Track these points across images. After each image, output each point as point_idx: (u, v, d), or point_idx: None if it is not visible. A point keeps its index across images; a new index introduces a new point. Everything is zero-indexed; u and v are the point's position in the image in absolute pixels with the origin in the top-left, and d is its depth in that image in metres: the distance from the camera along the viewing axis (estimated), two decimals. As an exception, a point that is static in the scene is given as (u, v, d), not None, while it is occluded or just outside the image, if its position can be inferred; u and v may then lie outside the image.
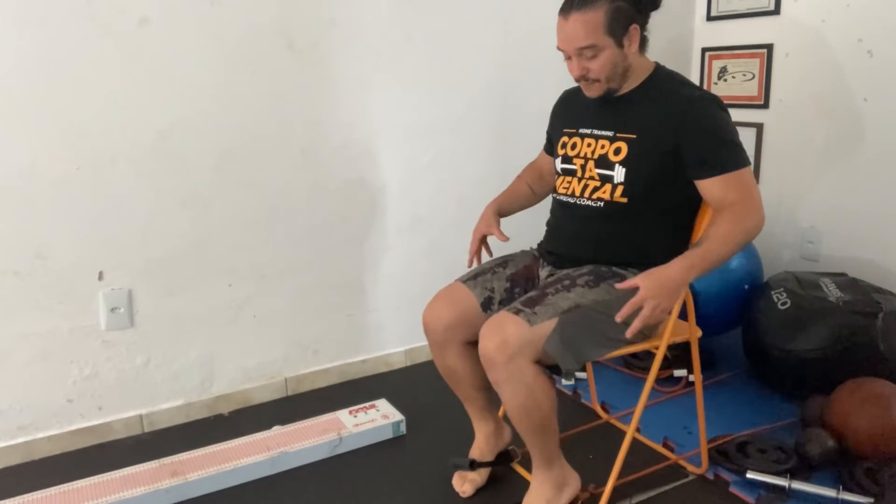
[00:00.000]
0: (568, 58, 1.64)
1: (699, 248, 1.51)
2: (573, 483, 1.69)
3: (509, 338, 1.45)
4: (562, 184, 1.77)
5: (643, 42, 1.65)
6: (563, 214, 1.76)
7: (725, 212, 1.54)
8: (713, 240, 1.51)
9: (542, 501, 1.65)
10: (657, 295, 1.45)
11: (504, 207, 1.93)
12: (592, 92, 1.66)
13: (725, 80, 2.89)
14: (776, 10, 2.68)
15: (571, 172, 1.74)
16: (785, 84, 2.70)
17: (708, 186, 1.59)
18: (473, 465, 1.83)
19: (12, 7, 1.83)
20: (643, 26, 1.63)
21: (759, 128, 2.78)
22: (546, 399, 1.52)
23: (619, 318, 1.47)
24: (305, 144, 2.31)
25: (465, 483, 1.82)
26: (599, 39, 1.56)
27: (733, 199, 1.55)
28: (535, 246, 1.88)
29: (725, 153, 1.57)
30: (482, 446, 1.86)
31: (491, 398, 1.83)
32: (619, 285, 1.53)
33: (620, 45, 1.59)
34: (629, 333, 1.49)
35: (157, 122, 2.06)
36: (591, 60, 1.59)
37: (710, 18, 2.93)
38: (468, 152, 2.64)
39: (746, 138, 2.77)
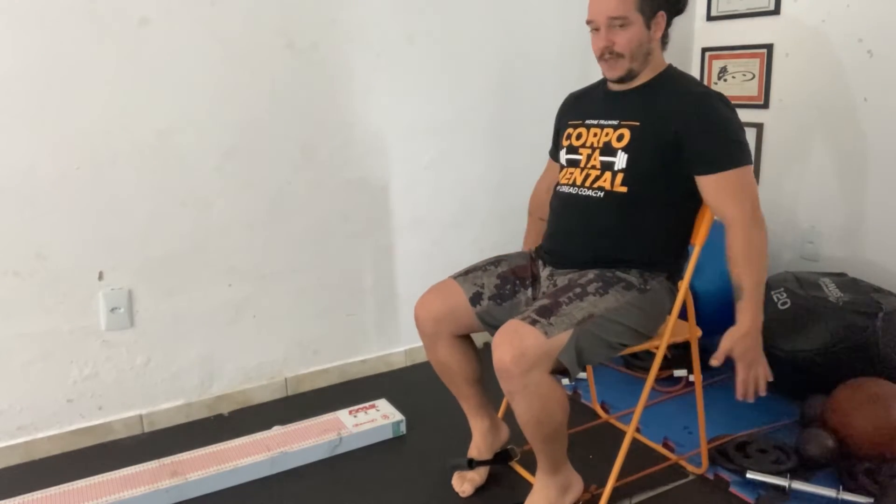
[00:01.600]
0: (595, 29, 1.65)
1: (746, 296, 1.54)
2: (576, 486, 1.69)
3: (527, 350, 1.44)
4: (564, 175, 1.78)
5: (664, 38, 1.69)
6: (563, 209, 1.77)
7: (734, 240, 1.57)
8: (747, 273, 1.55)
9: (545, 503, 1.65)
10: (751, 359, 1.53)
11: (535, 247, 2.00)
12: (614, 71, 1.67)
13: (725, 80, 2.88)
14: (776, 10, 2.68)
15: (576, 163, 1.75)
16: (785, 84, 2.70)
17: (704, 183, 1.61)
18: (472, 464, 1.83)
19: (13, 7, 1.83)
20: (668, 21, 1.67)
21: (759, 128, 2.78)
22: (560, 410, 1.53)
23: (739, 397, 1.54)
24: (305, 144, 2.31)
25: (464, 483, 1.82)
26: (630, 13, 1.60)
27: (730, 211, 1.57)
28: (532, 248, 1.88)
29: (725, 151, 1.58)
30: (479, 444, 1.86)
31: (486, 395, 1.83)
32: (713, 361, 1.53)
33: (648, 26, 1.63)
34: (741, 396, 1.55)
35: (157, 122, 2.06)
36: (619, 33, 1.62)
37: (710, 18, 2.93)
38: (468, 152, 2.64)
39: (747, 138, 2.79)
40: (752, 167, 1.61)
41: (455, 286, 1.74)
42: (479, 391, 1.82)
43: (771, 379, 1.55)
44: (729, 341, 1.53)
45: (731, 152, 1.58)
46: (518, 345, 1.45)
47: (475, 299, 1.72)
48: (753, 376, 1.53)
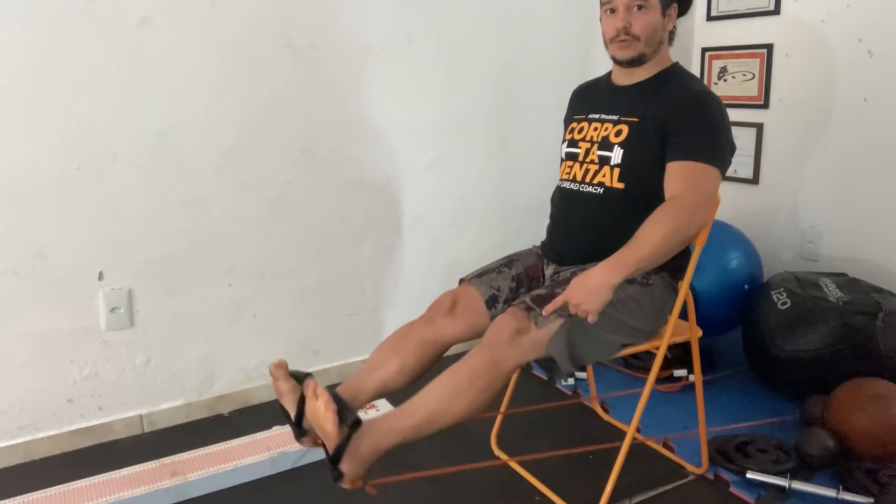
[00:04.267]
0: (611, 11, 1.66)
1: (627, 250, 1.49)
2: (361, 465, 1.43)
3: (519, 344, 1.46)
4: (564, 170, 1.79)
5: (671, 33, 1.72)
6: (565, 205, 1.77)
7: (660, 209, 1.54)
8: (642, 243, 1.49)
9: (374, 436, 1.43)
10: (580, 299, 1.45)
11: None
12: (626, 51, 1.67)
13: (725, 80, 2.88)
14: (776, 10, 2.68)
15: (574, 156, 1.76)
16: (785, 84, 2.70)
17: (668, 168, 1.60)
18: (304, 377, 1.52)
19: (13, 6, 1.83)
20: (676, 17, 1.71)
21: (759, 128, 2.78)
22: (480, 397, 1.44)
23: (545, 312, 1.48)
24: (305, 144, 2.31)
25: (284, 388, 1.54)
26: None
27: (677, 190, 1.55)
28: (538, 244, 1.87)
29: (699, 145, 1.58)
30: (354, 388, 1.60)
31: (423, 369, 1.67)
32: (547, 308, 1.49)
33: (663, 15, 1.66)
34: (545, 312, 1.48)
35: (157, 122, 2.06)
36: (638, 16, 1.63)
37: (710, 18, 2.93)
38: (468, 152, 2.64)
39: (746, 138, 2.79)
40: (719, 173, 1.59)
41: (473, 295, 1.70)
42: (409, 378, 1.65)
43: (593, 319, 1.45)
44: (574, 282, 1.48)
45: (704, 150, 1.58)
46: (509, 328, 1.46)
47: (491, 302, 1.70)
48: (574, 305, 1.45)
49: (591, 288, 1.46)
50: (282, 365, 1.51)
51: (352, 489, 1.42)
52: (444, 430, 1.45)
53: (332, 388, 1.53)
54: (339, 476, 1.39)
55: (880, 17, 2.37)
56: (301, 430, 1.53)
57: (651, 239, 1.49)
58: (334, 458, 1.38)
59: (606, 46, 1.72)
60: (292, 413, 1.53)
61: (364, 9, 2.32)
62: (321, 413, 1.37)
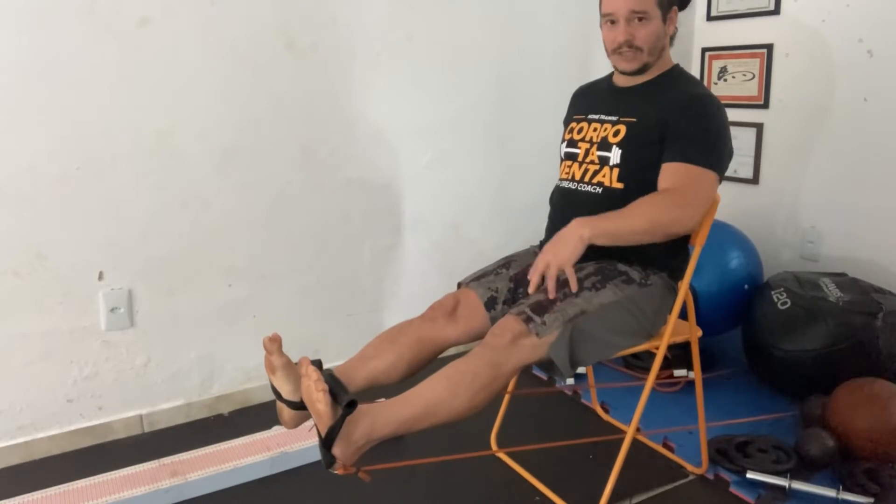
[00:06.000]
0: (612, 22, 1.66)
1: (610, 214, 1.54)
2: (352, 450, 1.40)
3: (520, 347, 1.45)
4: (563, 169, 1.80)
5: (673, 34, 1.72)
6: (563, 204, 1.77)
7: (656, 194, 1.57)
8: (627, 215, 1.53)
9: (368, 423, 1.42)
10: (551, 255, 1.50)
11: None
12: (630, 63, 1.68)
13: (725, 80, 2.89)
14: (776, 10, 2.68)
15: (573, 157, 1.76)
16: (785, 84, 2.70)
17: (664, 168, 1.61)
18: (318, 364, 1.50)
19: (13, 6, 1.83)
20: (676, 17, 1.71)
21: (759, 128, 2.78)
22: (480, 395, 1.43)
23: (531, 289, 1.53)
24: (305, 144, 2.31)
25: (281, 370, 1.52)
26: (651, 8, 1.63)
27: (672, 185, 1.57)
28: (536, 244, 1.87)
29: (697, 147, 1.59)
30: (346, 372, 1.60)
31: (418, 363, 1.66)
32: (530, 274, 1.54)
33: (664, 21, 1.66)
34: (531, 290, 1.52)
35: (157, 122, 2.06)
36: (639, 27, 1.63)
37: (710, 18, 2.93)
38: (468, 152, 2.64)
39: (746, 138, 2.79)
40: (716, 177, 1.60)
41: (473, 299, 1.70)
42: (404, 371, 1.65)
43: (573, 281, 1.49)
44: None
45: (702, 152, 1.58)
46: (508, 335, 1.45)
47: (490, 304, 1.70)
48: (544, 263, 1.50)
49: (560, 238, 1.51)
50: (276, 339, 1.48)
51: (344, 475, 1.40)
52: (439, 426, 1.44)
53: (328, 370, 1.53)
54: (331, 461, 1.37)
55: (880, 17, 2.37)
56: (293, 404, 1.50)
57: (638, 215, 1.53)
58: (327, 441, 1.36)
59: (608, 55, 1.72)
60: (282, 390, 1.51)
61: (364, 9, 2.32)
62: (313, 393, 1.35)
